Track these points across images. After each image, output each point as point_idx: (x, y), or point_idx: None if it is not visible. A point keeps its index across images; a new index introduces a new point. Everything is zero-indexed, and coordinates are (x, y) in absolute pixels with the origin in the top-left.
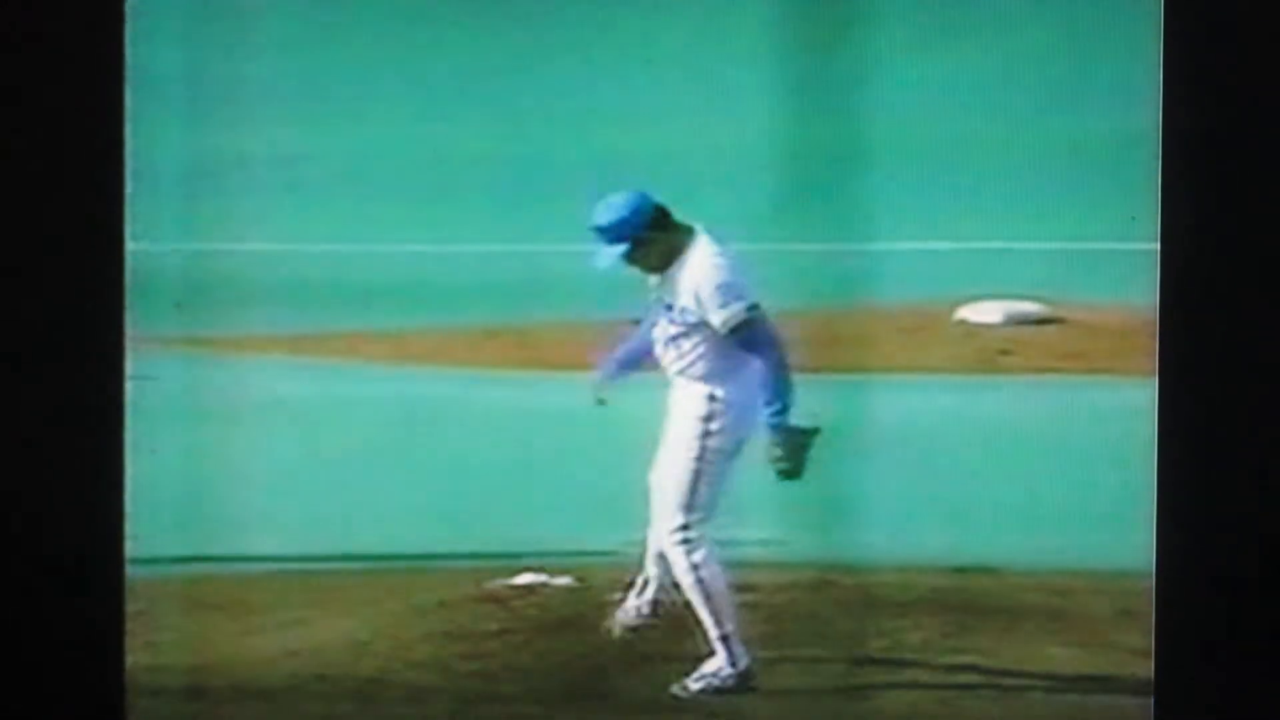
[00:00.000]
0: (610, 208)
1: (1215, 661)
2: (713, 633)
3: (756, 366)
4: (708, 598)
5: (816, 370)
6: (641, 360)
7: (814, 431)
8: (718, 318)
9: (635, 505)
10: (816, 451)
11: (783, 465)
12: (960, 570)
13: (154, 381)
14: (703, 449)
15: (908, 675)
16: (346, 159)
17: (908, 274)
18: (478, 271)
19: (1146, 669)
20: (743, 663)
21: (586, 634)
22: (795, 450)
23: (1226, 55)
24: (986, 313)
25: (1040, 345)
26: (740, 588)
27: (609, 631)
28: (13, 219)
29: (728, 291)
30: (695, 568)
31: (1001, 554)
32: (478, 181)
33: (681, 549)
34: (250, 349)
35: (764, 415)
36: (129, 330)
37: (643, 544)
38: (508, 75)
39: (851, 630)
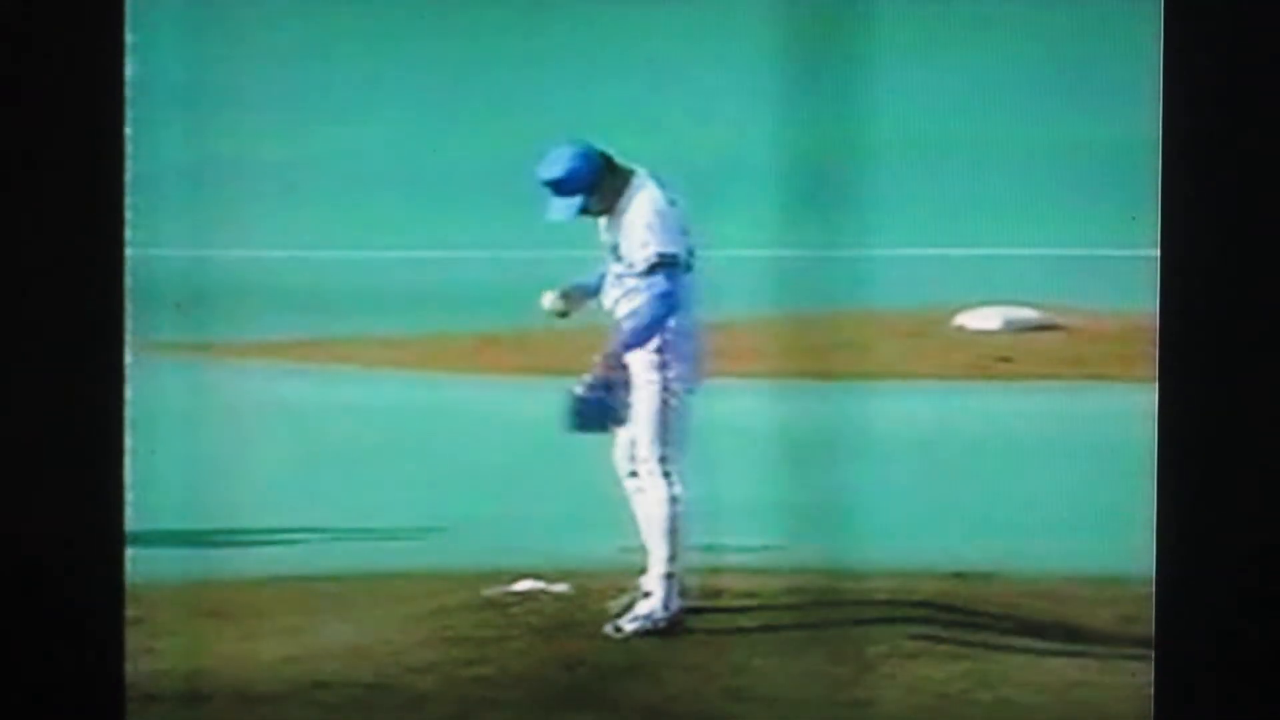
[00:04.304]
0: (559, 160)
1: (1215, 668)
2: (659, 568)
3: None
4: (672, 533)
5: (815, 376)
6: (595, 294)
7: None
8: (640, 254)
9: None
10: (816, 457)
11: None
12: (959, 576)
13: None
14: (665, 382)
15: (906, 681)
16: (346, 164)
17: (907, 280)
18: (477, 277)
19: (1146, 675)
20: (674, 605)
21: (584, 640)
22: (583, 412)
23: (1227, 59)
24: (986, 319)
25: (1040, 351)
26: (739, 593)
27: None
28: (14, 223)
29: (651, 231)
30: (673, 500)
31: (1001, 560)
32: (477, 187)
33: (663, 480)
34: (250, 353)
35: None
36: (129, 334)
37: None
38: (506, 80)
39: (850, 636)
